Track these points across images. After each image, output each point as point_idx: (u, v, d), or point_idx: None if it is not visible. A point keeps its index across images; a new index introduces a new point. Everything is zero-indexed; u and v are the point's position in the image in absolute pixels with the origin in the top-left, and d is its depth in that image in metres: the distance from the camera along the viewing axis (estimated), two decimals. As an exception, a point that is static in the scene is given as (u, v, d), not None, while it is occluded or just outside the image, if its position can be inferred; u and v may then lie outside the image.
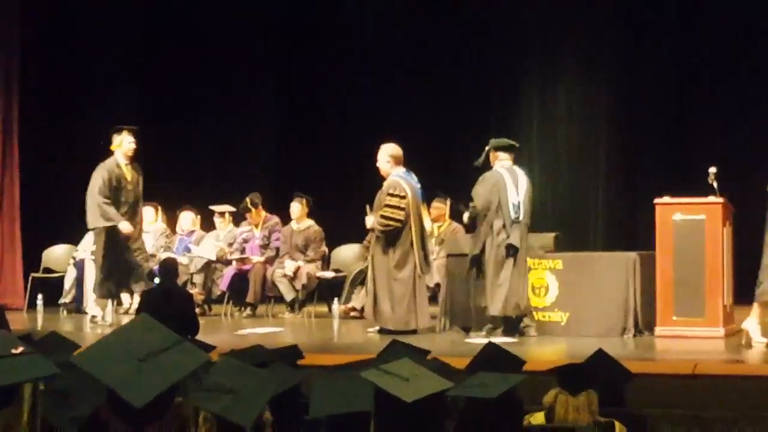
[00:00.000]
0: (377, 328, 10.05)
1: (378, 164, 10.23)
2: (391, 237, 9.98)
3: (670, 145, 13.42)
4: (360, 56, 14.47)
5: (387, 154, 10.17)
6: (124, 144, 10.84)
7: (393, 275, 9.95)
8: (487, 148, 9.85)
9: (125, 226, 10.63)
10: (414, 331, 9.78)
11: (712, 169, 9.47)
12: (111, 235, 10.66)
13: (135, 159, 10.95)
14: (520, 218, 9.61)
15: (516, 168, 9.83)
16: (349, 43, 14.55)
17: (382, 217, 9.95)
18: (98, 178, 10.65)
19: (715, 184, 9.46)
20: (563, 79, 14.01)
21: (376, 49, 14.39)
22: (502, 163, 9.77)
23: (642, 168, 13.56)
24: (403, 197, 10.00)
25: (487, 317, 9.59)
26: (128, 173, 10.79)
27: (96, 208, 10.57)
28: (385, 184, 10.11)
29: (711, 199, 9.47)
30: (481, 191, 9.63)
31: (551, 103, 14.04)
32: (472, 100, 14.20)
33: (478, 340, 9.00)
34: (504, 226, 9.55)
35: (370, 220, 10.07)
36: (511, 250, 9.54)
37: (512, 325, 9.56)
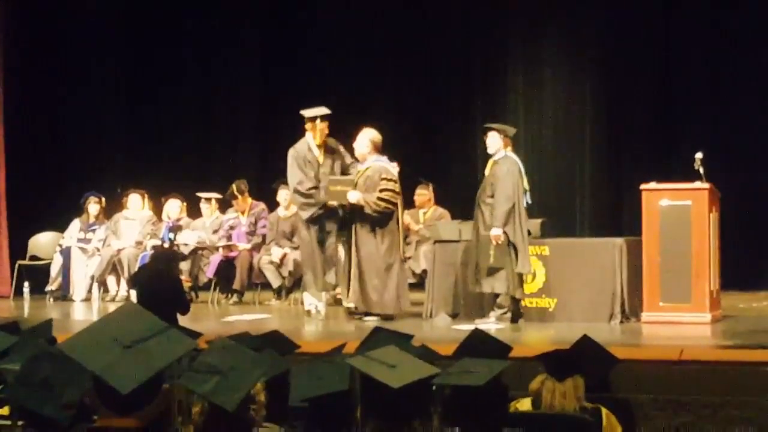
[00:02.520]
0: (363, 313, 10.03)
1: (356, 146, 10.24)
2: (380, 221, 9.97)
3: (657, 131, 13.42)
4: (344, 41, 14.42)
5: (368, 139, 10.18)
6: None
7: (385, 260, 9.97)
8: (498, 135, 9.75)
9: None
10: (391, 317, 9.85)
11: (699, 155, 9.49)
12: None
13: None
14: (529, 202, 9.72)
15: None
16: (332, 30, 14.50)
17: (380, 199, 9.94)
18: None
19: (701, 170, 9.48)
20: (548, 63, 13.97)
21: (359, 34, 14.35)
22: (510, 149, 9.77)
23: (628, 153, 13.56)
24: (396, 182, 10.05)
25: (499, 302, 9.53)
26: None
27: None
28: (374, 167, 10.09)
29: (697, 184, 9.49)
30: (510, 182, 9.54)
31: (536, 88, 14.00)
32: (456, 86, 14.19)
33: (488, 326, 9.02)
34: (524, 211, 9.59)
35: (355, 195, 10.00)
36: (528, 235, 9.61)
37: (517, 310, 9.59)
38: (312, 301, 10.38)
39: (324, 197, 10.15)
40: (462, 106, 14.14)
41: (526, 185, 9.69)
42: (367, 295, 10.00)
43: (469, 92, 14.24)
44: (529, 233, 9.69)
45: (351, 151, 10.40)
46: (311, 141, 10.30)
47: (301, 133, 10.44)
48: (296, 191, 10.35)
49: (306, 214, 10.27)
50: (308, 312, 10.35)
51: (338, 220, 10.27)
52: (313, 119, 10.26)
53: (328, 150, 10.36)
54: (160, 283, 8.18)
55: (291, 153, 10.32)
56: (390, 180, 10.04)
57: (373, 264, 10.00)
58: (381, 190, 9.98)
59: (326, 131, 10.30)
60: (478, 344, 5.50)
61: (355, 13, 14.31)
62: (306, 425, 4.20)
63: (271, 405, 4.18)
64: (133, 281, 8.80)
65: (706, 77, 13.18)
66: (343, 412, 4.00)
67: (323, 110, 10.29)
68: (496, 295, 9.55)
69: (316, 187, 10.20)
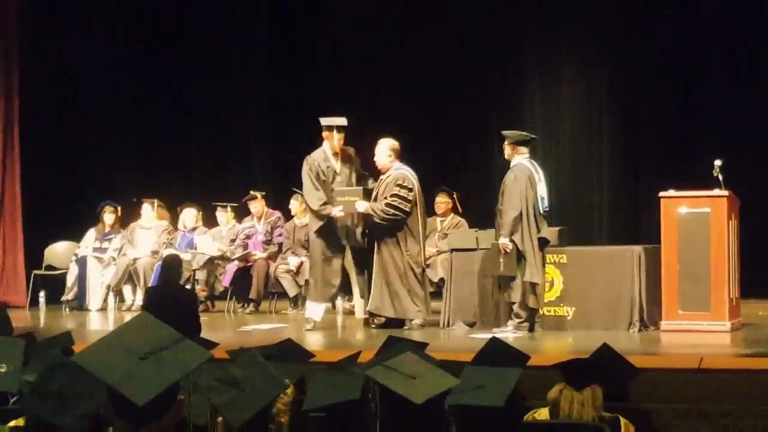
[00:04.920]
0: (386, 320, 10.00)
1: (378, 158, 10.19)
2: (397, 227, 9.94)
3: (675, 138, 13.37)
4: (356, 50, 14.42)
5: (388, 148, 10.15)
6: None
7: (413, 267, 9.96)
8: (508, 142, 9.74)
9: None
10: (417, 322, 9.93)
11: (718, 162, 9.43)
12: None
13: None
14: (547, 211, 9.63)
15: (533, 161, 9.77)
16: (345, 38, 14.51)
17: (387, 205, 9.91)
18: None
19: (720, 177, 9.42)
20: (566, 71, 13.94)
21: (372, 41, 14.34)
22: (523, 156, 9.70)
23: (647, 161, 13.51)
24: (411, 190, 10.01)
25: (515, 311, 9.47)
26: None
27: None
28: (393, 175, 10.06)
29: (716, 192, 9.43)
30: (517, 189, 9.51)
31: (553, 97, 13.97)
32: (474, 96, 14.14)
33: (505, 335, 9.00)
34: (536, 219, 9.52)
35: (363, 205, 9.97)
36: (543, 244, 9.52)
37: (533, 319, 9.54)
38: (311, 309, 10.27)
39: (334, 210, 10.04)
40: (479, 115, 14.09)
41: (542, 192, 9.61)
42: (401, 303, 9.96)
43: (486, 102, 14.20)
44: (547, 242, 9.62)
45: (369, 160, 10.33)
46: (328, 150, 10.22)
47: (316, 142, 10.41)
48: (307, 206, 10.36)
49: (315, 226, 10.19)
50: (307, 320, 10.27)
51: (348, 234, 10.17)
52: (330, 128, 10.20)
53: (346, 159, 10.28)
54: (173, 304, 8.10)
55: (306, 162, 10.23)
56: (404, 187, 10.00)
57: (393, 270, 9.96)
58: (391, 196, 9.95)
59: (342, 141, 10.21)
60: (496, 353, 5.45)
61: (370, 22, 14.30)
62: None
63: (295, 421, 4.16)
64: (147, 301, 8.71)
65: (725, 84, 13.12)
66: (361, 425, 3.96)
67: (341, 120, 10.22)
68: (513, 304, 9.50)
69: (327, 202, 10.09)
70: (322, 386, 4.17)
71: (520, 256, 9.42)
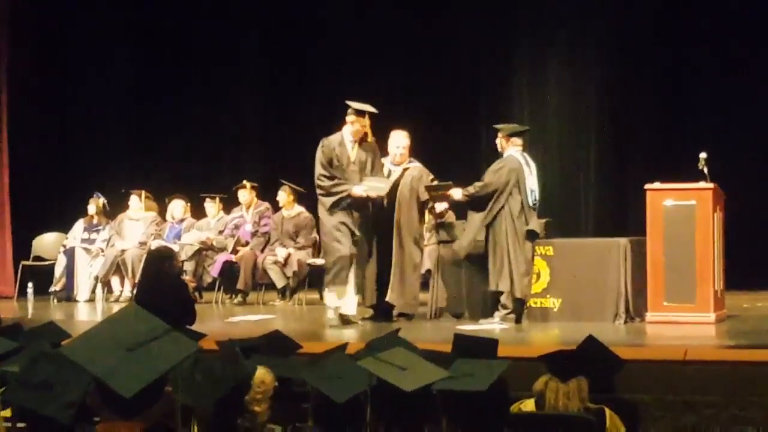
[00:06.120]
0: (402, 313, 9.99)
1: (397, 148, 10.07)
2: (415, 220, 10.02)
3: (661, 131, 13.41)
4: (347, 42, 14.41)
5: (408, 139, 10.15)
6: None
7: (417, 258, 10.03)
8: (499, 135, 9.78)
9: None
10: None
11: (703, 155, 9.46)
12: None
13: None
14: (537, 203, 9.65)
15: (526, 155, 9.79)
16: (337, 31, 14.50)
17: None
18: None
19: (705, 170, 9.46)
20: (552, 64, 13.96)
21: (363, 35, 14.33)
22: (515, 148, 9.72)
23: (633, 154, 13.55)
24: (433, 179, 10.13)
25: (502, 302, 9.49)
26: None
27: None
28: (417, 167, 10.11)
29: (702, 184, 9.46)
30: (499, 172, 9.55)
31: (541, 89, 14.00)
32: (463, 87, 14.15)
33: (492, 326, 9.08)
34: (523, 210, 9.53)
35: (458, 192, 9.76)
36: (532, 236, 9.54)
37: (521, 311, 9.56)
38: (331, 298, 9.72)
39: (355, 188, 9.61)
40: (468, 106, 14.11)
41: (532, 185, 9.63)
42: (409, 294, 9.97)
43: (475, 93, 14.21)
44: (537, 234, 9.62)
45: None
46: (347, 136, 9.78)
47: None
48: (318, 186, 9.79)
49: (328, 202, 9.68)
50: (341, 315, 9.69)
51: (362, 223, 9.77)
52: (360, 113, 9.70)
53: (367, 149, 9.87)
54: (165, 293, 8.10)
55: (320, 145, 9.79)
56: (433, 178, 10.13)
57: (413, 262, 9.98)
58: (435, 185, 10.01)
59: (363, 130, 9.79)
60: (467, 346, 5.45)
61: (362, 16, 14.30)
62: (313, 427, 4.20)
63: (277, 405, 4.18)
64: (140, 291, 8.70)
65: (711, 77, 13.16)
66: (351, 415, 3.99)
67: (369, 107, 9.84)
68: (500, 294, 9.53)
69: (340, 182, 9.64)
70: (327, 378, 4.18)
71: (501, 246, 9.47)
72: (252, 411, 3.98)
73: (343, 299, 9.63)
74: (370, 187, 9.69)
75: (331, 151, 9.76)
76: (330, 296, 9.70)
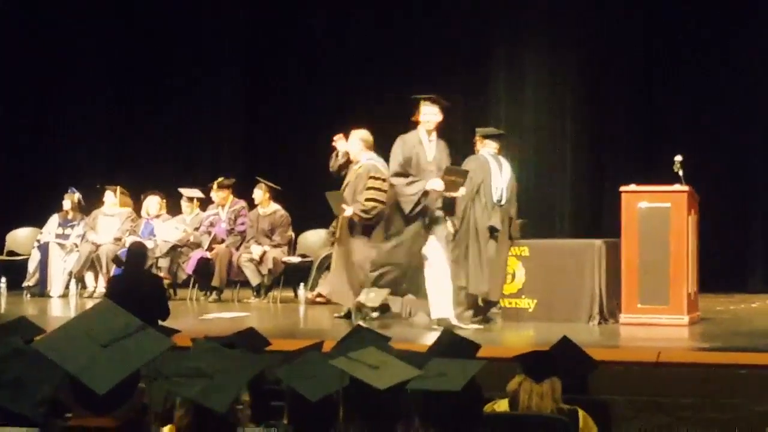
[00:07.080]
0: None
1: (348, 146, 10.17)
2: (375, 221, 9.81)
3: (637, 133, 13.45)
4: (323, 42, 14.40)
5: (358, 138, 10.16)
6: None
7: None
8: (476, 136, 9.78)
9: None
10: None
11: (678, 158, 9.52)
12: None
13: None
14: (503, 202, 9.55)
15: (500, 157, 9.77)
16: (312, 30, 14.48)
17: (367, 200, 9.81)
18: None
19: (680, 173, 9.52)
20: (529, 65, 13.98)
21: (338, 35, 14.33)
22: (488, 149, 9.71)
23: (608, 156, 13.60)
24: (384, 180, 9.77)
25: (459, 298, 9.44)
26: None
27: None
28: (363, 167, 10.04)
29: (676, 187, 9.53)
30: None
31: (517, 90, 14.00)
32: (439, 87, 14.08)
33: (466, 324, 9.07)
34: (486, 207, 9.50)
35: (350, 210, 9.87)
36: (494, 232, 9.50)
37: (482, 310, 9.52)
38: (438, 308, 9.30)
39: (430, 183, 9.17)
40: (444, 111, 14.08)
41: (499, 183, 9.54)
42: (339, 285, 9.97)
43: (451, 93, 14.18)
44: (496, 230, 9.45)
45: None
46: (423, 135, 9.33)
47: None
48: (394, 187, 9.36)
49: (407, 208, 9.19)
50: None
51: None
52: (433, 100, 9.30)
53: (440, 148, 9.43)
54: (139, 290, 8.09)
55: (399, 141, 9.37)
56: (378, 179, 9.90)
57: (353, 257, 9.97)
58: (367, 189, 9.89)
59: (439, 118, 9.36)
60: (448, 345, 5.47)
61: (337, 16, 14.30)
62: (287, 425, 4.19)
63: (253, 405, 4.17)
64: (111, 288, 8.66)
65: (687, 80, 13.22)
66: (325, 413, 3.98)
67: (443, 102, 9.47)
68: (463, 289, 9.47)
69: (415, 180, 9.21)
70: (311, 377, 4.17)
71: (467, 244, 9.45)
72: (244, 402, 3.98)
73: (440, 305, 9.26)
74: (447, 182, 9.17)
75: (410, 149, 9.31)
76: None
